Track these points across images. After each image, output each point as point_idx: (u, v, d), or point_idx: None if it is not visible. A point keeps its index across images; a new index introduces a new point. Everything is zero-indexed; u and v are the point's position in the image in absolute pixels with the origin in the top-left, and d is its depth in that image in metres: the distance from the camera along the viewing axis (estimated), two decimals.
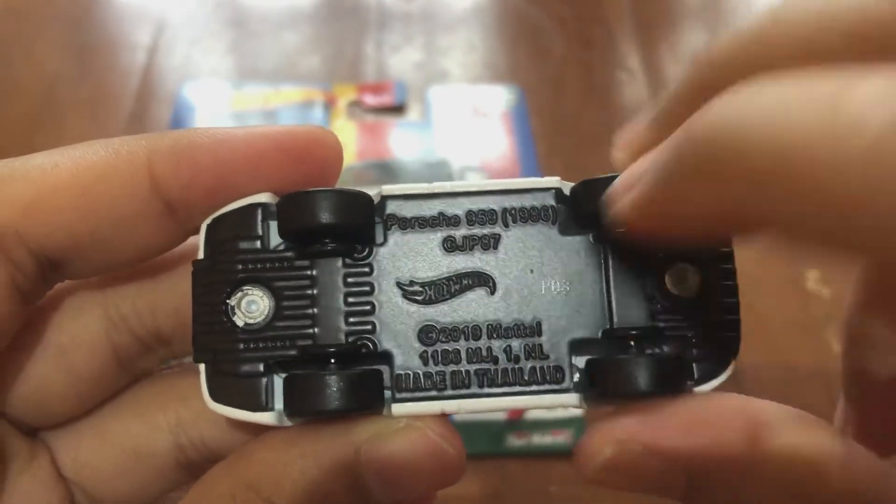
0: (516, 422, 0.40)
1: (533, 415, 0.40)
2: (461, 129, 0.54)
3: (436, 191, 0.18)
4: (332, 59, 0.60)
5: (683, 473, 0.16)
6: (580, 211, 0.18)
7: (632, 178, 0.16)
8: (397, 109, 0.56)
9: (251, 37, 0.61)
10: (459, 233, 0.18)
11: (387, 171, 0.51)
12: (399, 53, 0.60)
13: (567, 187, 0.18)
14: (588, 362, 0.18)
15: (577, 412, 0.40)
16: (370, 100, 0.56)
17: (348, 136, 0.54)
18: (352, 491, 0.17)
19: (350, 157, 0.52)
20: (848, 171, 0.11)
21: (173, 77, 0.57)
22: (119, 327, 0.20)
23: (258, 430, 0.18)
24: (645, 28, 0.63)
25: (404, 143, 0.53)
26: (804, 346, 0.43)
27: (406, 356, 0.17)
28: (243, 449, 0.18)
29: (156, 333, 0.20)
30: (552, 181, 0.18)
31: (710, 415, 0.17)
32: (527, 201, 0.18)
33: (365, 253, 0.18)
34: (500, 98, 0.56)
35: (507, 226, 0.18)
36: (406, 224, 0.18)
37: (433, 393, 0.17)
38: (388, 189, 0.18)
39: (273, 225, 0.18)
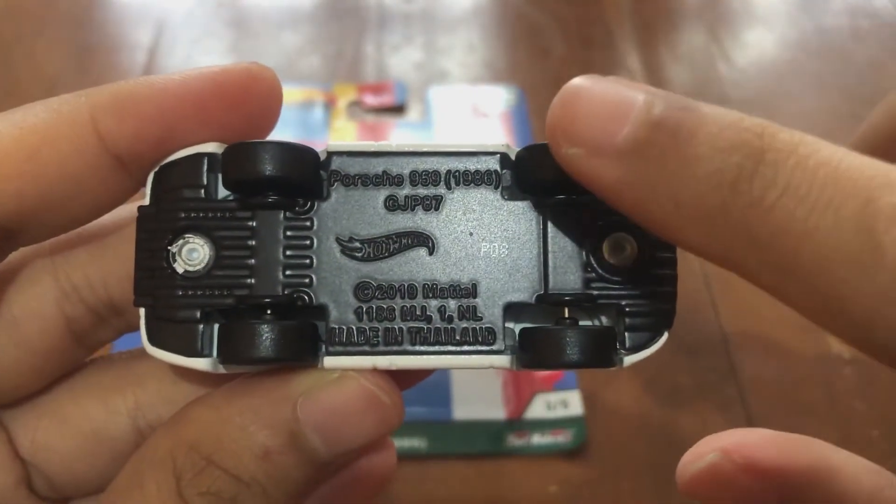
0: (516, 422, 0.40)
1: (533, 415, 0.40)
2: (461, 129, 0.54)
3: (382, 149, 0.18)
4: (332, 59, 0.60)
5: (775, 491, 0.18)
6: (524, 176, 0.18)
7: (603, 132, 0.15)
8: (397, 109, 0.56)
9: (251, 37, 0.61)
10: (402, 192, 0.18)
11: None
12: (399, 53, 0.60)
13: (513, 153, 0.19)
14: (522, 331, 0.18)
15: (578, 412, 0.40)
16: (370, 100, 0.56)
17: (348, 135, 0.54)
18: (292, 446, 0.17)
19: None
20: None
21: None
22: (71, 297, 0.20)
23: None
24: (645, 28, 0.63)
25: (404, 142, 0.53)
26: (804, 346, 0.43)
27: (341, 311, 0.18)
28: (183, 410, 0.18)
29: (109, 303, 0.20)
30: (498, 145, 0.19)
31: (797, 441, 0.19)
32: (471, 164, 0.18)
33: (307, 207, 0.18)
34: (500, 98, 0.56)
35: (450, 188, 0.18)
36: (350, 181, 0.18)
37: (366, 348, 0.18)
38: (334, 145, 0.18)
39: (220, 175, 0.18)
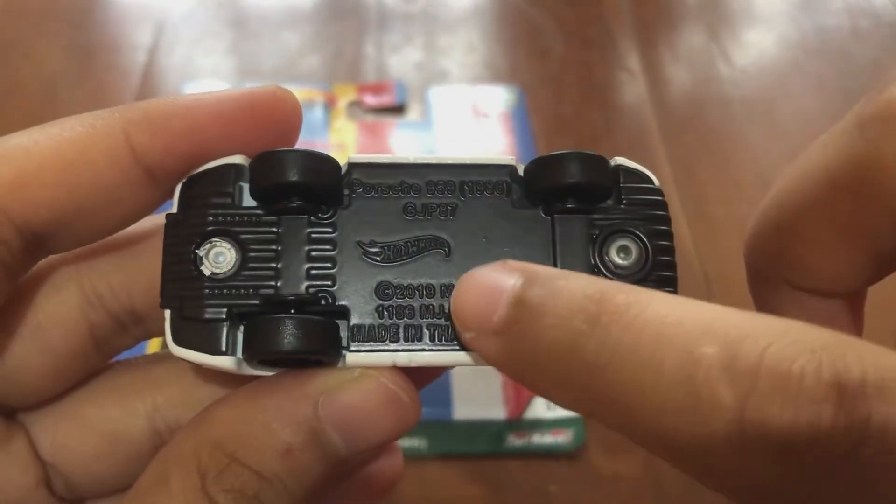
0: (516, 422, 0.40)
1: (533, 415, 0.40)
2: (461, 129, 0.54)
3: (400, 162, 0.19)
4: (332, 59, 0.60)
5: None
6: (532, 187, 0.19)
7: (485, 317, 0.16)
8: (397, 109, 0.56)
9: (251, 37, 0.61)
10: (420, 201, 0.19)
11: None
12: (399, 53, 0.60)
13: (521, 167, 0.19)
14: None
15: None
16: (370, 100, 0.56)
17: (348, 136, 0.54)
18: (314, 443, 0.17)
19: None
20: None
21: (174, 77, 0.58)
22: (95, 305, 0.20)
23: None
24: (645, 28, 0.63)
25: (404, 143, 0.53)
26: None
27: (362, 309, 0.18)
28: (206, 409, 0.18)
29: (131, 311, 0.21)
30: (507, 159, 0.19)
31: None
32: (484, 176, 0.19)
33: (329, 214, 0.19)
34: (500, 98, 0.56)
35: (464, 196, 0.19)
36: (370, 189, 0.19)
37: (387, 344, 0.18)
38: (355, 157, 0.19)
39: (245, 187, 0.19)
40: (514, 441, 0.39)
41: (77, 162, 0.18)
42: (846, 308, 0.21)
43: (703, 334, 0.13)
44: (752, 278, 0.22)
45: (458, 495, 0.38)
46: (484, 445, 0.39)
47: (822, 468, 0.12)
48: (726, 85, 0.59)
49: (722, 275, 0.46)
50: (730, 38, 0.63)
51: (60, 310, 0.20)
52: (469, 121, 0.55)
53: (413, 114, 0.56)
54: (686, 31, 0.65)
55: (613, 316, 0.14)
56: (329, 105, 0.55)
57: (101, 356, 0.21)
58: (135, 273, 0.20)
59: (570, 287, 0.15)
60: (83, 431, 0.21)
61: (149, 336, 0.21)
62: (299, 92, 0.56)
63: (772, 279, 0.21)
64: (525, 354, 0.16)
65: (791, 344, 0.13)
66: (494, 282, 0.16)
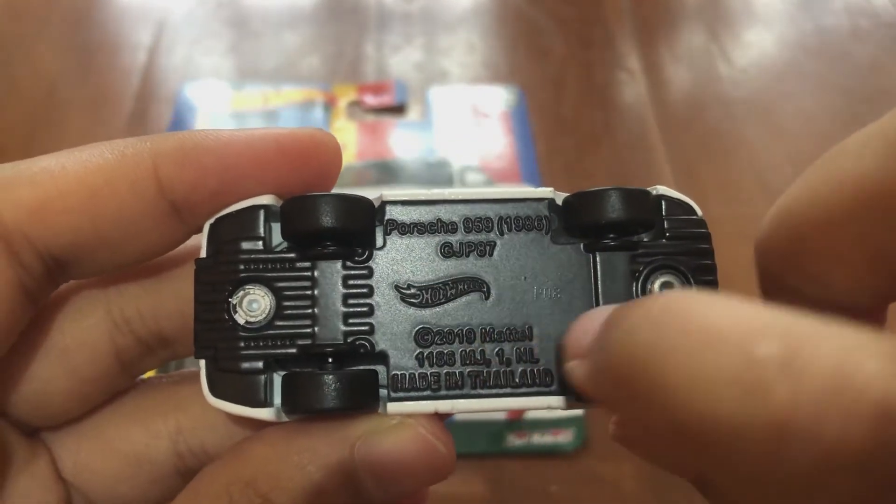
0: (516, 422, 0.40)
1: (533, 415, 0.40)
2: (461, 129, 0.54)
3: (434, 198, 0.19)
4: (333, 59, 0.60)
5: None
6: (572, 221, 0.19)
7: (583, 342, 0.16)
8: (397, 109, 0.56)
9: (251, 37, 0.61)
10: (456, 239, 0.19)
11: (387, 170, 0.51)
12: (399, 53, 0.61)
13: (560, 198, 0.19)
14: None
15: (578, 412, 0.40)
16: (370, 100, 0.56)
17: (348, 136, 0.54)
18: (347, 487, 0.17)
19: (350, 157, 0.52)
20: (753, 439, 0.11)
21: (174, 77, 0.58)
22: (122, 329, 0.20)
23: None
24: (645, 28, 0.63)
25: (404, 143, 0.54)
26: None
27: (402, 357, 0.18)
28: (240, 446, 0.18)
29: (158, 335, 0.20)
30: (546, 192, 0.19)
31: None
32: (521, 210, 0.19)
33: (364, 256, 0.18)
34: (500, 98, 0.56)
35: (501, 233, 0.19)
36: (405, 229, 0.19)
37: (427, 393, 0.18)
38: (389, 195, 0.19)
39: (275, 227, 0.18)
40: (514, 441, 0.39)
41: (101, 189, 0.17)
42: (865, 322, 0.19)
43: (762, 334, 0.12)
44: (762, 281, 0.20)
45: (458, 495, 0.38)
46: (484, 445, 0.39)
47: (863, 495, 0.11)
48: (726, 85, 0.59)
49: (722, 275, 0.46)
50: (730, 38, 0.63)
51: (87, 333, 0.20)
52: (469, 121, 0.55)
53: (413, 114, 0.56)
54: (686, 31, 0.65)
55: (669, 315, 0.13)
56: (329, 105, 0.55)
57: (126, 378, 0.21)
58: (163, 298, 0.20)
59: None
60: (106, 452, 0.21)
61: (176, 358, 0.21)
62: (299, 92, 0.56)
63: (784, 286, 0.19)
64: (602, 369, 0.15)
65: (858, 348, 0.11)
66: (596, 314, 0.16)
